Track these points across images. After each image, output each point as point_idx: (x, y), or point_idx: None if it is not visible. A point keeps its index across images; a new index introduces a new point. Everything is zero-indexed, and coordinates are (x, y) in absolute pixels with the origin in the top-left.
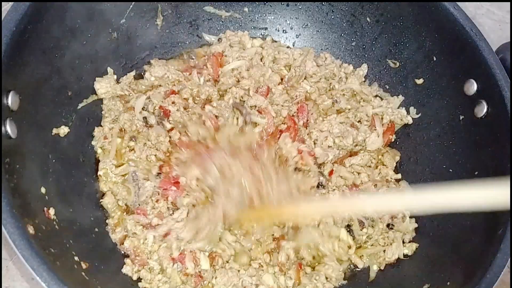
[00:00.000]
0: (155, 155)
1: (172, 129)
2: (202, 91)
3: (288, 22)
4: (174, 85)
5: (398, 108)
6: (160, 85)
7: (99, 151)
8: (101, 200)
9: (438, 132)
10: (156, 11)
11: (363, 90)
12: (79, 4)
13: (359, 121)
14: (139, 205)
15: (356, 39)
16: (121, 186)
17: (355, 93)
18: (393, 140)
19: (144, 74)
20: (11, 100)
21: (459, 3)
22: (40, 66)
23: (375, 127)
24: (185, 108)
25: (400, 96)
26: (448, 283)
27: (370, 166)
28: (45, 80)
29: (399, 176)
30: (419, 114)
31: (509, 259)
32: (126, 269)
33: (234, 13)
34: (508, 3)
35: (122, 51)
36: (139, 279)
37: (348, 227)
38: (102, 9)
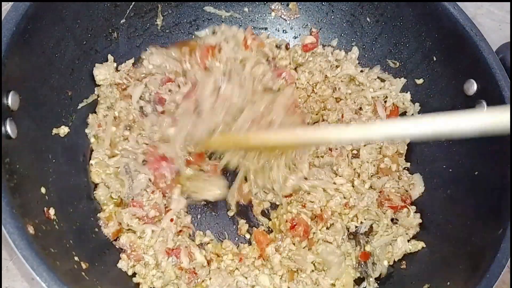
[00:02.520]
0: (147, 144)
1: (163, 112)
2: (189, 76)
3: (288, 22)
4: (171, 74)
5: (401, 92)
6: (157, 73)
7: (92, 139)
8: (94, 192)
9: None
10: (156, 11)
11: (357, 76)
12: (79, 4)
13: (360, 108)
14: (133, 198)
15: (356, 39)
16: (114, 178)
17: (352, 77)
18: None
19: (142, 61)
20: (11, 100)
21: (459, 3)
22: (40, 66)
23: (378, 113)
24: None
25: (403, 79)
26: (448, 283)
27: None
28: (45, 80)
29: (408, 165)
30: (419, 114)
31: (509, 259)
32: (122, 264)
33: (234, 13)
34: (508, 3)
35: (122, 51)
36: (134, 274)
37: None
38: (102, 9)
